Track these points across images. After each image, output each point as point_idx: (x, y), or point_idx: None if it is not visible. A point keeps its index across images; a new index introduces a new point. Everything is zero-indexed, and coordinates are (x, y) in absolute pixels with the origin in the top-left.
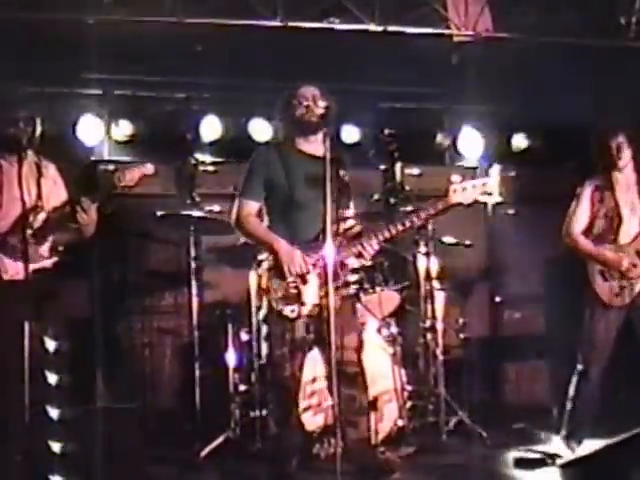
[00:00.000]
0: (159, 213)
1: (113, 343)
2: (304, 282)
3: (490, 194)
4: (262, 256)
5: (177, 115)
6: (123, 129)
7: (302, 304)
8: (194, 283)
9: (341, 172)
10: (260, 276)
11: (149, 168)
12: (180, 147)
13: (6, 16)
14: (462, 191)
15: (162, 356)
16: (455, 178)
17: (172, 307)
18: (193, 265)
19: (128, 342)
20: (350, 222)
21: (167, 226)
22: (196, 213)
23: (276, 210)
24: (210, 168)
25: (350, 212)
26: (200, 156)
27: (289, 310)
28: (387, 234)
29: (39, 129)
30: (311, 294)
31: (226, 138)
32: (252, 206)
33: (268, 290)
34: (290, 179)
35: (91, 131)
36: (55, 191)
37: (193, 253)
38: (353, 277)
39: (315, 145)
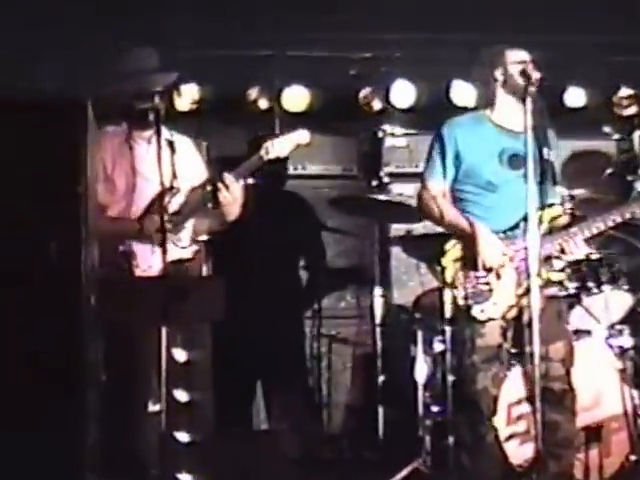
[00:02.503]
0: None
1: (271, 353)
2: (498, 277)
3: None
4: (448, 245)
5: (361, 79)
6: (297, 96)
7: (494, 304)
8: (378, 281)
9: (544, 150)
10: (444, 268)
11: (303, 136)
12: (364, 117)
13: None
14: None
15: (338, 369)
16: None
17: (352, 310)
18: (378, 260)
19: (293, 353)
20: (557, 209)
21: (347, 212)
22: (383, 196)
23: (465, 193)
24: (401, 142)
25: (556, 198)
26: (389, 127)
27: (478, 310)
28: (594, 230)
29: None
30: (505, 292)
31: (420, 105)
32: (438, 187)
33: (454, 284)
34: (482, 156)
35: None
36: (192, 169)
37: (378, 245)
38: (559, 275)
39: (515, 117)
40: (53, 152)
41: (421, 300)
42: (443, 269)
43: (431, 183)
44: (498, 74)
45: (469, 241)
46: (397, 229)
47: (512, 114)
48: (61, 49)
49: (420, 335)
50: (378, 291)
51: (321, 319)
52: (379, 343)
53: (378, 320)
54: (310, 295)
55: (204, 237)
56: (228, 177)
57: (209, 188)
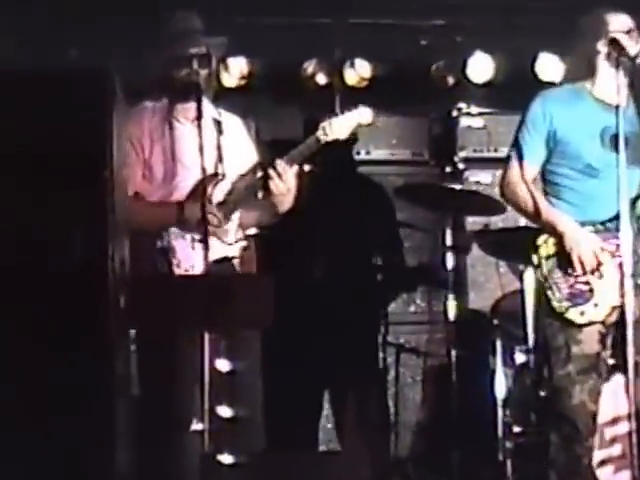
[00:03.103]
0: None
1: (330, 364)
2: (599, 275)
3: None
4: (540, 239)
5: (433, 50)
6: (359, 70)
7: (595, 305)
8: (451, 282)
9: None
10: (538, 266)
11: (365, 114)
12: (436, 93)
13: None
14: None
15: (407, 383)
16: None
17: (422, 316)
18: (451, 258)
19: (354, 363)
20: None
21: (416, 203)
22: (457, 185)
23: (559, 177)
24: (478, 122)
25: None
26: (464, 105)
27: (577, 312)
28: None
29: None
30: (609, 292)
31: (500, 80)
32: (527, 169)
33: (547, 285)
34: (582, 135)
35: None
36: (241, 153)
37: (451, 241)
38: None
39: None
40: (75, 131)
41: (501, 304)
42: (537, 267)
43: (520, 165)
44: (601, 46)
45: (559, 237)
46: (474, 223)
47: (609, 87)
48: (91, 15)
49: (499, 344)
50: (452, 294)
51: (387, 326)
52: (453, 353)
53: (452, 327)
54: (376, 298)
55: (252, 231)
56: (280, 163)
57: (259, 175)
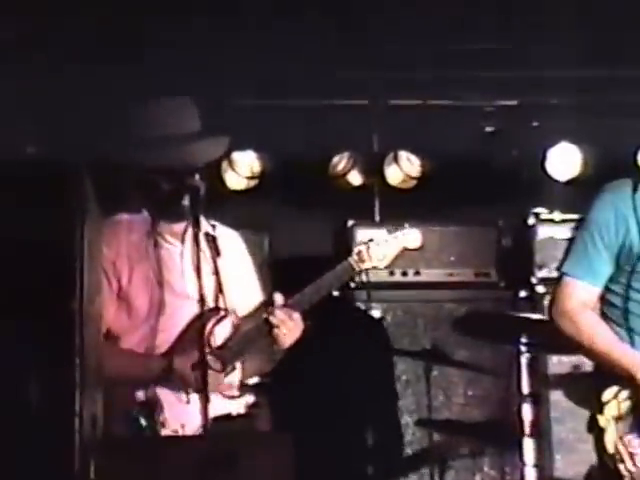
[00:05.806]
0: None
1: None
2: None
3: None
4: (607, 394)
5: (502, 139)
6: (405, 166)
7: None
8: (529, 442)
9: None
10: (602, 430)
11: (413, 237)
12: (507, 195)
13: None
14: None
15: None
16: None
17: None
18: (529, 410)
19: None
20: None
21: (482, 337)
22: (536, 315)
23: (632, 303)
24: (562, 232)
25: None
26: (544, 211)
27: None
28: None
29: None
30: None
31: (590, 176)
32: (588, 291)
33: (618, 457)
34: None
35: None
36: (241, 280)
37: (528, 388)
38: None
39: None
40: (35, 248)
41: (598, 472)
42: (601, 432)
43: (578, 284)
44: None
45: (631, 380)
46: (559, 363)
47: None
48: (54, 105)
49: None
50: (530, 458)
51: None
52: None
53: None
54: (425, 461)
55: (254, 380)
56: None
57: (265, 316)
